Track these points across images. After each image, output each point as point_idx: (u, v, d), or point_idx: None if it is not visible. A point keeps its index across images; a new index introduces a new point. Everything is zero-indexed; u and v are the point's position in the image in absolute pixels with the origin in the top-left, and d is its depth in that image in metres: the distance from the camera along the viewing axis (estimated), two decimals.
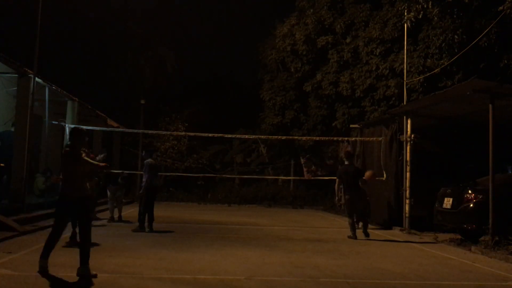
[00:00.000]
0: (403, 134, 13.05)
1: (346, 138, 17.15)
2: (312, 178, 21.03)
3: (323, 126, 20.68)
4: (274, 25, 23.35)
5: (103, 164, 7.18)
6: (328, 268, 7.25)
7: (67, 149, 6.43)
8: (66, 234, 7.70)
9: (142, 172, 11.96)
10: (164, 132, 21.62)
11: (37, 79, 12.20)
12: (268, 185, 24.05)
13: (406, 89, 13.90)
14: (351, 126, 16.98)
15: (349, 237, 10.96)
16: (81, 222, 6.28)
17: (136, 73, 28.42)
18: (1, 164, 10.71)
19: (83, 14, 26.90)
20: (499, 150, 9.92)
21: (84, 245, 6.13)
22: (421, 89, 14.35)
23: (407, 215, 12.58)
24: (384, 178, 13.69)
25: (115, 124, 20.15)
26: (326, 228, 12.93)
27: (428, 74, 13.79)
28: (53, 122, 15.85)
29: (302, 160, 23.08)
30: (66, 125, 15.63)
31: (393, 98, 16.02)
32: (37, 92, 12.40)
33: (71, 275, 6.03)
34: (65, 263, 6.75)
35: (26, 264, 6.74)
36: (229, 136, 17.69)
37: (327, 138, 18.33)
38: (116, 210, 12.85)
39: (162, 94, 28.24)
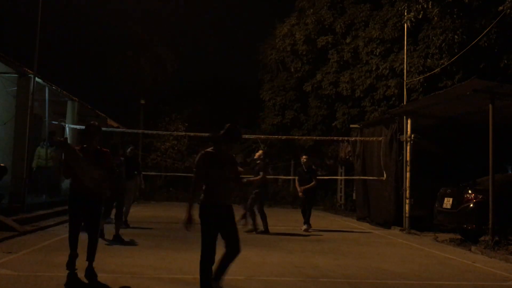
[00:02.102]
0: (403, 134, 13.05)
1: (346, 138, 17.15)
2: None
3: (323, 126, 20.69)
4: (274, 25, 23.37)
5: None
6: (328, 268, 7.25)
7: (211, 149, 5.20)
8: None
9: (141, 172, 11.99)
10: (164, 132, 21.62)
11: (37, 79, 12.20)
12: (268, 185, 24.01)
13: (406, 89, 13.90)
14: (351, 126, 16.98)
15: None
16: (233, 235, 5.28)
17: (136, 73, 28.43)
18: (1, 164, 10.70)
19: (83, 14, 26.91)
20: (499, 150, 9.92)
21: (230, 261, 5.31)
22: (421, 89, 14.35)
23: (407, 215, 12.57)
24: (384, 178, 13.69)
25: (115, 124, 20.15)
26: (326, 228, 12.93)
27: (428, 74, 13.79)
28: (53, 122, 15.85)
29: None
30: (66, 125, 15.63)
31: (393, 98, 16.03)
32: (37, 92, 12.40)
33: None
34: (63, 263, 6.73)
35: (26, 264, 6.74)
36: None
37: (327, 138, 18.34)
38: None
39: (162, 94, 28.25)
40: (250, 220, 11.30)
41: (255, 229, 11.27)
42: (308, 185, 11.89)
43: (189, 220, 5.05)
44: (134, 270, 6.58)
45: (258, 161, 11.74)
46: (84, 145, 6.15)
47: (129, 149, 11.58)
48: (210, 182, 5.10)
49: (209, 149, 5.19)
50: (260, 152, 11.98)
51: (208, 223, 5.05)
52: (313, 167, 12.65)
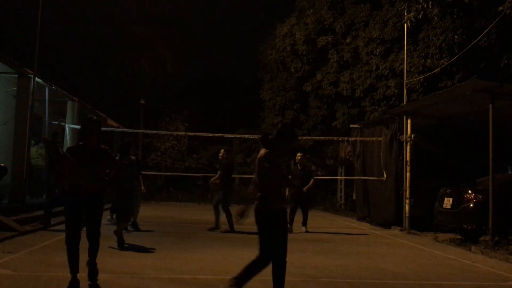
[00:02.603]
0: (403, 134, 13.06)
1: (346, 138, 17.16)
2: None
3: (323, 126, 20.71)
4: (274, 25, 23.39)
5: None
6: (328, 268, 7.25)
7: (267, 152, 4.89)
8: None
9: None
10: (164, 132, 21.62)
11: (37, 79, 12.21)
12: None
13: (406, 89, 13.90)
14: (351, 126, 16.98)
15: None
16: (280, 240, 5.03)
17: (136, 73, 28.43)
18: (1, 164, 10.71)
19: (83, 14, 26.90)
20: (499, 150, 9.93)
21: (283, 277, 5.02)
22: (421, 89, 14.36)
23: (407, 215, 12.58)
24: (384, 178, 13.69)
25: (115, 124, 20.14)
26: (326, 228, 12.93)
27: (428, 74, 13.79)
28: (53, 122, 15.85)
29: None
30: (66, 125, 15.63)
31: (393, 98, 16.04)
32: (37, 92, 12.40)
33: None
34: (63, 263, 6.73)
35: (26, 264, 6.74)
36: (229, 136, 17.70)
37: (327, 138, 18.34)
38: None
39: (162, 94, 28.24)
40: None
41: (217, 227, 11.24)
42: (308, 185, 11.74)
43: (242, 214, 5.00)
44: (134, 270, 6.57)
45: (222, 161, 11.65)
46: (81, 143, 5.51)
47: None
48: (269, 186, 4.88)
49: (265, 151, 4.89)
50: (222, 151, 11.92)
51: (269, 225, 4.89)
52: (313, 167, 12.60)
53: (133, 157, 9.63)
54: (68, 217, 5.48)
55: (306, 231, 11.74)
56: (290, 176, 12.25)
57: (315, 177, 12.52)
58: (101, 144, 5.61)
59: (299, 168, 12.03)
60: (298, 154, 12.27)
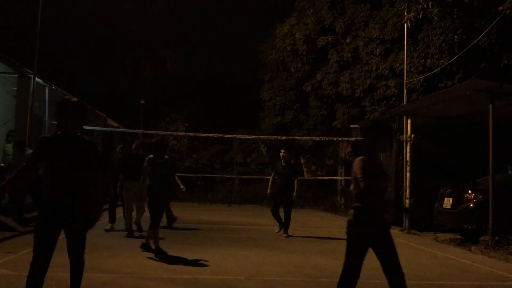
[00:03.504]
0: (403, 134, 13.06)
1: (346, 138, 17.16)
2: (312, 178, 21.02)
3: (323, 126, 20.72)
4: (274, 25, 23.40)
5: None
6: (328, 268, 7.24)
7: (363, 157, 4.40)
8: None
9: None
10: (164, 132, 21.62)
11: (37, 79, 12.22)
12: (268, 185, 24.00)
13: (406, 89, 13.91)
14: (351, 126, 17.00)
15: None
16: (392, 254, 4.74)
17: (136, 73, 28.45)
18: (1, 164, 10.72)
19: (83, 14, 26.92)
20: (499, 150, 9.92)
21: None
22: (421, 89, 14.37)
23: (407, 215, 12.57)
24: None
25: (115, 124, 20.16)
26: (326, 228, 12.93)
27: (428, 74, 13.80)
28: (53, 122, 15.84)
29: (302, 160, 23.11)
30: None
31: (393, 98, 16.05)
32: (37, 92, 12.41)
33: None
34: (63, 263, 6.73)
35: (26, 264, 6.68)
36: (229, 136, 17.70)
37: (327, 138, 18.33)
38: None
39: (162, 94, 28.26)
40: None
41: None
42: (295, 189, 10.65)
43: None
44: (134, 270, 6.57)
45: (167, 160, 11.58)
46: (58, 132, 4.23)
47: (134, 145, 10.52)
48: (366, 195, 4.49)
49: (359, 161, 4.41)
50: None
51: (357, 242, 4.61)
52: (313, 167, 12.49)
53: (166, 157, 8.47)
54: (36, 232, 4.27)
55: (287, 236, 10.61)
56: (272, 174, 11.41)
57: (312, 177, 12.36)
58: (84, 136, 4.38)
59: (283, 164, 10.89)
60: (282, 151, 11.17)
